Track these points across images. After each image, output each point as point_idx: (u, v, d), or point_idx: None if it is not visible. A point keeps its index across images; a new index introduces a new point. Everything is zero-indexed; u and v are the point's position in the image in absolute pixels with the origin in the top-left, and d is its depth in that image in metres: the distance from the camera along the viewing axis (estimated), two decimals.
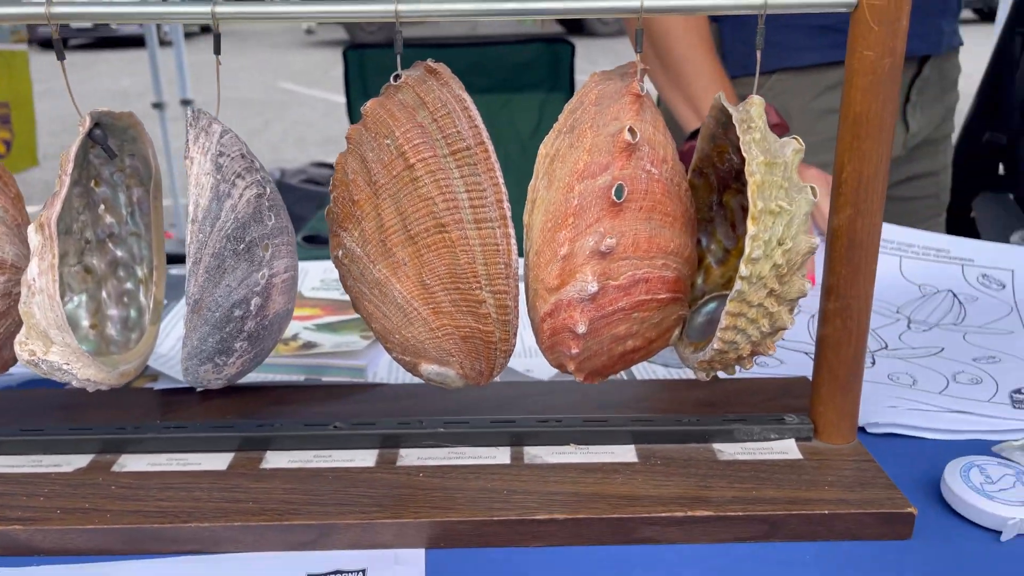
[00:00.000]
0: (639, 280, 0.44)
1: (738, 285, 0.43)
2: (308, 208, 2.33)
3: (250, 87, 6.94)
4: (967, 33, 1.13)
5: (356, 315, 0.72)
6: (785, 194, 0.43)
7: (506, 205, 0.44)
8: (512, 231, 0.44)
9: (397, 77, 0.46)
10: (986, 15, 11.55)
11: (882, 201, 0.47)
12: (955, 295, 0.77)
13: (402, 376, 0.64)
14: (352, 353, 0.66)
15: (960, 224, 1.71)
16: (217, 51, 0.44)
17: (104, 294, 0.51)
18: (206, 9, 0.43)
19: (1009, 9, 1.73)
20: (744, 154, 0.43)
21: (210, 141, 0.42)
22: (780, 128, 0.83)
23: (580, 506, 0.46)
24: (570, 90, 2.09)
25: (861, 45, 0.45)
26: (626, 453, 0.51)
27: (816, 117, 0.95)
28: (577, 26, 12.98)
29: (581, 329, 0.44)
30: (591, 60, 10.47)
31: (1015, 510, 0.45)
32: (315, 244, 1.64)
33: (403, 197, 0.44)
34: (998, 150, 1.74)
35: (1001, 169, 1.78)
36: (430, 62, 0.47)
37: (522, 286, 0.47)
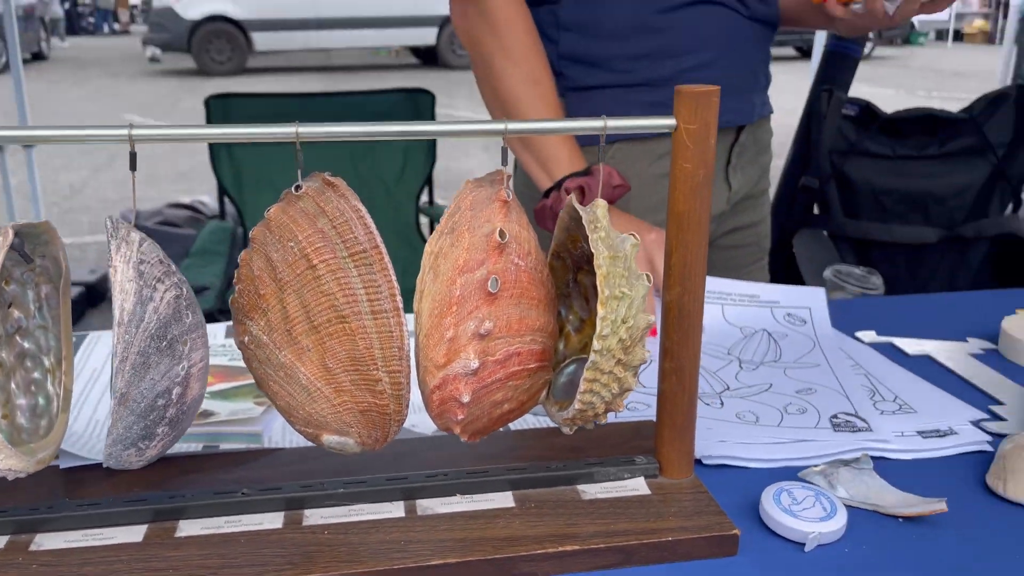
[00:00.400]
0: (512, 355, 0.53)
1: (592, 357, 0.52)
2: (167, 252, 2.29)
3: (91, 118, 6.62)
4: (790, 69, 1.29)
5: (248, 381, 0.77)
6: (626, 281, 0.53)
7: (398, 298, 0.51)
8: (404, 319, 0.51)
9: (299, 188, 0.53)
10: (805, 52, 12.72)
11: (703, 279, 0.58)
12: (769, 334, 0.91)
13: (295, 439, 0.69)
14: (248, 420, 0.70)
15: (783, 260, 1.92)
16: (133, 167, 0.50)
17: (13, 385, 0.55)
18: (124, 132, 0.48)
19: (816, 70, 1.98)
20: (592, 250, 0.53)
21: (131, 250, 0.47)
22: (622, 188, 0.95)
23: (468, 550, 0.54)
24: (434, 139, 2.18)
25: (681, 159, 0.56)
26: (505, 499, 0.59)
27: (653, 181, 1.08)
28: (432, 58, 13.17)
29: (466, 399, 0.52)
30: (448, 92, 10.63)
31: (814, 525, 0.57)
32: None
33: (306, 292, 0.51)
34: (812, 193, 1.98)
35: (816, 209, 2.02)
36: (327, 175, 0.54)
37: (413, 363, 0.54)
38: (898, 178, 2.02)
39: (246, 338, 0.53)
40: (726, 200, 1.15)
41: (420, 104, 2.16)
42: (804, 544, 0.57)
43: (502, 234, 0.52)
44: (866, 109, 1.97)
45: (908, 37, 17.49)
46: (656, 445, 0.63)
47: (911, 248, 2.04)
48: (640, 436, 0.68)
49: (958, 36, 18.64)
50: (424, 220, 2.25)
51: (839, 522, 0.57)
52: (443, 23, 12.54)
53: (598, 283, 0.52)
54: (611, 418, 0.72)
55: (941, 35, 18.59)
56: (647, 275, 0.54)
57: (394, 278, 0.51)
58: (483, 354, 0.52)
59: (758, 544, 0.58)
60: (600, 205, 0.55)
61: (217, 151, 2.00)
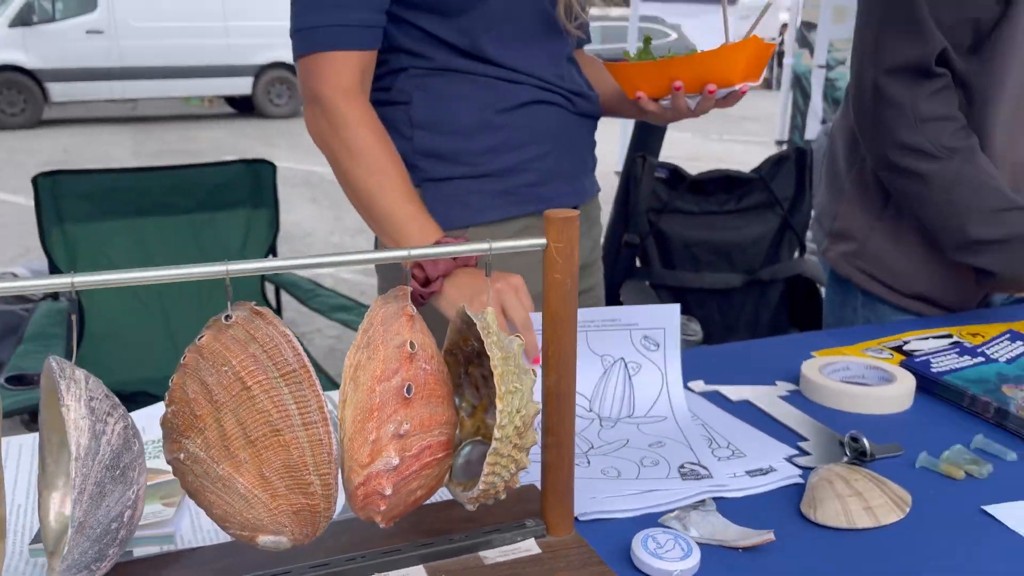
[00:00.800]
0: (424, 448, 0.62)
1: (494, 444, 0.62)
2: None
3: None
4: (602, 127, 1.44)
5: (152, 482, 0.80)
6: (517, 377, 0.64)
7: (325, 410, 0.59)
8: (331, 428, 0.59)
9: (228, 317, 0.59)
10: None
11: (574, 366, 0.70)
12: (626, 364, 1.02)
13: (206, 536, 0.73)
14: (159, 523, 0.74)
15: None
16: (73, 312, 0.54)
17: None
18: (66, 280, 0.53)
19: (630, 138, 2.21)
20: (488, 353, 0.63)
21: (80, 388, 0.52)
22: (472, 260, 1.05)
23: None
24: (275, 206, 2.21)
25: (551, 271, 0.67)
26: (419, 572, 0.67)
27: (508, 258, 1.20)
28: (248, 107, 12.88)
29: (388, 492, 0.60)
30: (268, 142, 10.41)
31: (675, 564, 0.69)
32: (23, 385, 1.56)
33: (242, 411, 0.57)
34: (634, 248, 2.19)
35: (638, 262, 2.24)
36: (254, 305, 0.60)
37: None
38: (705, 231, 2.28)
39: (181, 455, 0.59)
40: None
41: (261, 174, 2.18)
42: None
43: (412, 345, 0.61)
44: (675, 172, 2.22)
45: None
46: (542, 509, 0.73)
47: (720, 292, 2.30)
48: (524, 500, 0.78)
49: None
50: (270, 287, 2.26)
51: (694, 559, 0.70)
52: (259, 72, 12.31)
53: (496, 382, 0.62)
54: None
55: None
56: (532, 369, 0.65)
57: (321, 392, 0.58)
58: (402, 451, 0.60)
59: None
60: (489, 312, 0.65)
61: (48, 229, 1.92)
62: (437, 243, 1.02)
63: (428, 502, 0.80)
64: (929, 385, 1.04)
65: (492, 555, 0.70)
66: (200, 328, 0.60)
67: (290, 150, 9.96)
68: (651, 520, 0.77)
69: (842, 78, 5.16)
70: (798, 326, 2.50)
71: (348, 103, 1.03)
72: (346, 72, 1.03)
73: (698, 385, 1.09)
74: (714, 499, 0.80)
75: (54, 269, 1.93)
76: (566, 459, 0.71)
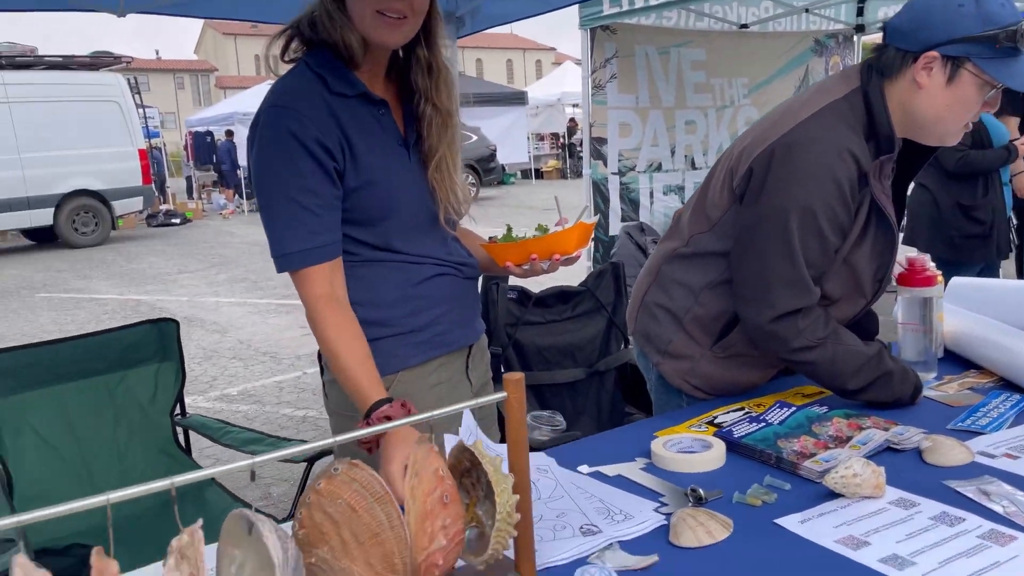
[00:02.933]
0: (455, 532, 1.01)
1: (497, 523, 1.03)
2: None
3: None
4: None
5: None
6: (504, 480, 1.05)
7: (403, 519, 0.97)
8: (406, 532, 0.97)
9: (336, 469, 0.96)
10: None
11: (529, 484, 1.12)
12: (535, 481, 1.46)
13: None
14: None
15: None
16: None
17: None
18: None
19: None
20: (486, 467, 1.04)
21: None
22: (407, 408, 1.44)
23: None
24: (180, 359, 2.46)
25: (512, 413, 1.09)
26: None
27: (434, 394, 1.61)
28: (50, 237, 12.31)
29: (440, 562, 0.99)
30: (82, 274, 10.05)
31: None
32: None
33: (353, 525, 0.94)
34: (497, 358, 2.65)
35: (502, 370, 2.70)
36: (351, 460, 0.98)
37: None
38: (551, 336, 2.79)
39: (313, 559, 0.95)
40: (469, 392, 1.72)
41: (165, 331, 2.44)
42: None
43: (441, 470, 1.01)
44: (522, 292, 2.72)
45: (502, 179, 20.43)
46: (517, 564, 1.13)
47: (569, 385, 2.81)
48: (500, 567, 1.17)
49: (539, 174, 22.23)
50: (180, 430, 2.49)
51: None
52: (60, 202, 11.88)
53: (493, 484, 1.03)
54: None
55: (526, 174, 21.98)
56: (509, 475, 1.06)
57: (399, 509, 0.97)
58: (445, 536, 0.99)
59: None
60: (478, 444, 1.06)
61: None
62: (376, 406, 1.40)
63: None
64: (733, 446, 1.55)
65: None
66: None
67: (107, 280, 9.70)
68: (581, 561, 1.20)
69: (634, 181, 6.02)
70: (631, 402, 3.04)
71: (321, 307, 1.44)
72: (319, 281, 1.43)
73: (584, 468, 1.54)
74: (618, 542, 1.24)
75: None
76: (530, 533, 1.12)
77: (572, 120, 21.99)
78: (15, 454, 2.17)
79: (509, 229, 1.66)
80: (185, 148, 20.95)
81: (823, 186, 1.55)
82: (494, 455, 1.08)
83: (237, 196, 17.49)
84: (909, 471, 1.42)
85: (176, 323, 2.48)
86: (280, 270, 1.44)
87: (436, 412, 1.03)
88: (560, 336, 2.79)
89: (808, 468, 1.41)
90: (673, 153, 6.37)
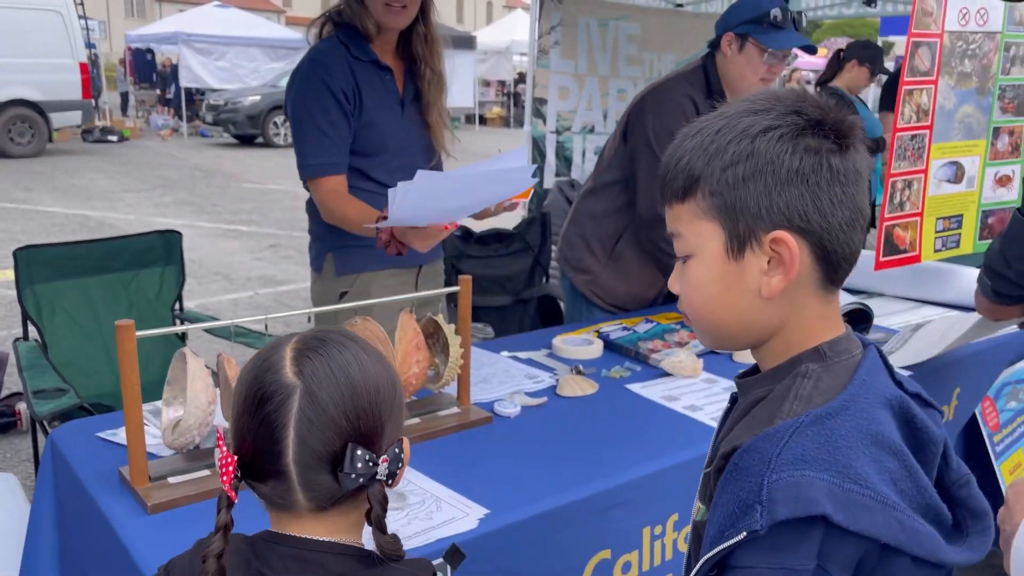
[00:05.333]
0: (424, 365, 1.64)
1: (451, 359, 1.66)
2: None
3: None
4: None
5: None
6: (454, 340, 1.68)
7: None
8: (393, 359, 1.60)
9: (353, 323, 1.58)
10: None
11: (469, 333, 1.75)
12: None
13: None
14: None
15: None
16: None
17: None
18: None
19: None
20: (444, 330, 1.67)
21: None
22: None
23: None
24: (181, 263, 3.01)
25: (463, 298, 1.73)
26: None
27: (384, 294, 2.22)
28: None
29: (415, 384, 1.62)
30: (22, 185, 10.16)
31: (510, 410, 1.77)
32: (47, 398, 2.25)
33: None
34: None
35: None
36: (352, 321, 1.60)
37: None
38: (487, 269, 3.43)
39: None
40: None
41: (170, 241, 2.98)
42: None
43: (416, 331, 1.64)
44: (466, 231, 3.33)
45: None
46: (459, 395, 1.77)
47: (499, 308, 3.46)
48: (448, 400, 1.81)
49: (482, 120, 22.56)
50: (179, 323, 3.04)
51: (518, 410, 1.78)
52: None
53: (448, 342, 1.66)
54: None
55: (470, 119, 22.28)
56: (458, 338, 1.70)
57: (392, 349, 1.59)
58: (417, 366, 1.62)
59: None
60: (439, 316, 1.69)
61: (24, 290, 2.59)
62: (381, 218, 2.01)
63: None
64: (609, 345, 2.22)
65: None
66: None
67: (50, 193, 9.84)
68: (499, 400, 1.84)
69: (568, 140, 6.66)
70: (547, 325, 3.72)
71: (332, 197, 2.04)
72: (329, 184, 2.03)
73: (505, 353, 2.19)
74: (524, 392, 1.89)
75: (26, 317, 2.61)
76: (467, 376, 1.76)
77: (520, 74, 22.30)
78: (50, 330, 2.70)
79: None
80: (122, 63, 20.37)
81: (670, 113, 2.31)
82: (450, 325, 1.71)
83: (176, 117, 17.29)
84: (721, 363, 2.12)
85: (179, 234, 3.01)
86: (303, 176, 2.03)
87: (422, 294, 1.65)
88: (494, 269, 3.42)
89: (654, 358, 2.10)
90: (605, 118, 7.01)
